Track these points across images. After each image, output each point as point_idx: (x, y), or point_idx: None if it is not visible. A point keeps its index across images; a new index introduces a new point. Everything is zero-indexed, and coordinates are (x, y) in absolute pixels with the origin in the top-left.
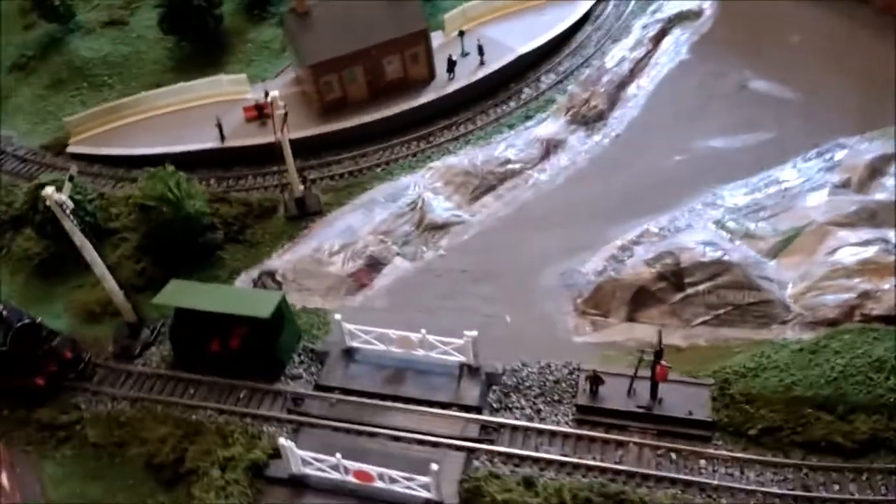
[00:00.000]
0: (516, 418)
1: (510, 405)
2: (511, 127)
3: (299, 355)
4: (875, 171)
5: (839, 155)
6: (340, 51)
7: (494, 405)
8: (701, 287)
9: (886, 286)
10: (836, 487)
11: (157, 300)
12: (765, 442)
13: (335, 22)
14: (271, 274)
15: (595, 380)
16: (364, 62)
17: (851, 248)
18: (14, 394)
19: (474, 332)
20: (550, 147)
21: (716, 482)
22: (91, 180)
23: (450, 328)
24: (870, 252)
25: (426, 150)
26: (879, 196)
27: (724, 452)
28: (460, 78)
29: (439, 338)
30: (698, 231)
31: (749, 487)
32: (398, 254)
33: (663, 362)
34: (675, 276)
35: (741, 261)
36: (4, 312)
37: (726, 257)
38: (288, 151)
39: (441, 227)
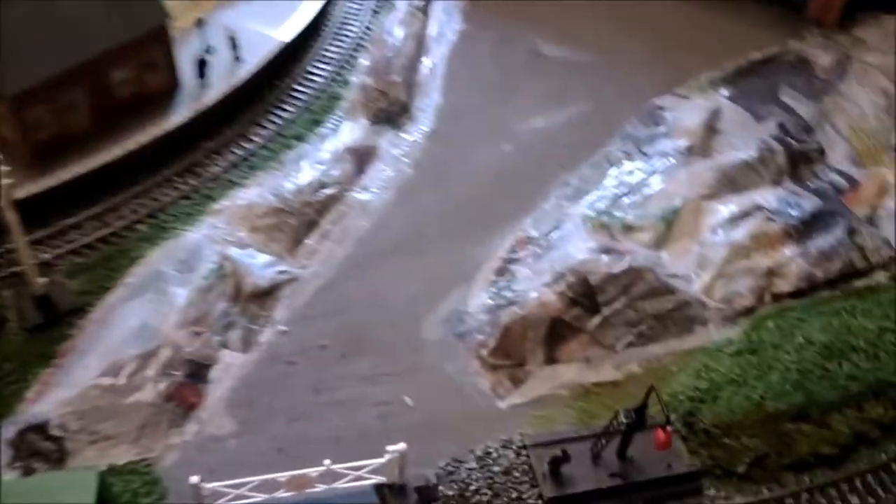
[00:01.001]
0: None
1: None
2: (300, 138)
3: None
4: (711, 130)
5: (668, 118)
6: (51, 69)
7: None
8: (617, 304)
9: (785, 256)
10: None
11: None
12: (755, 475)
13: (34, 28)
14: (41, 429)
15: (558, 461)
16: (86, 80)
17: (734, 222)
18: None
19: (402, 445)
20: (363, 157)
21: None
22: None
23: (336, 435)
24: (754, 224)
25: (202, 189)
26: (728, 158)
27: (723, 503)
28: (215, 83)
29: (351, 464)
30: (579, 235)
31: None
32: (224, 346)
33: (669, 427)
34: (587, 298)
35: (647, 263)
36: None
37: (635, 264)
38: (18, 232)
39: (268, 293)
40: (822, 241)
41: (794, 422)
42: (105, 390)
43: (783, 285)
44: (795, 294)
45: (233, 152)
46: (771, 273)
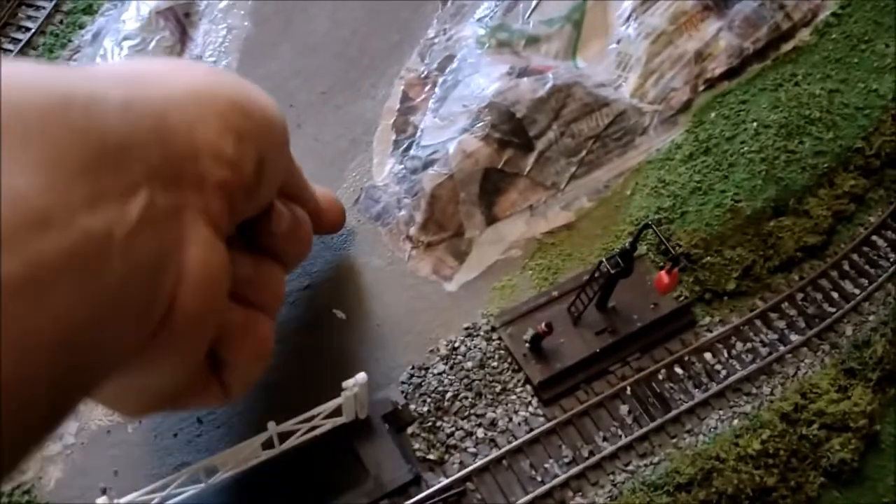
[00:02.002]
0: (473, 453)
1: (448, 441)
2: (89, 11)
3: None
4: None
5: None
6: None
7: (431, 457)
8: (551, 134)
9: (710, 34)
10: (836, 295)
11: None
12: (747, 288)
13: None
14: None
15: (539, 336)
16: None
17: (644, 7)
18: None
19: (361, 376)
20: (181, 20)
21: (744, 371)
22: None
23: (266, 381)
24: (667, 4)
25: None
26: None
27: (721, 329)
28: None
29: (300, 417)
30: (481, 62)
31: (774, 354)
32: None
33: (676, 269)
34: (517, 135)
35: (570, 77)
36: None
37: (559, 81)
38: None
39: None
40: (742, 7)
41: (773, 219)
42: None
43: (716, 67)
44: (728, 75)
45: (4, 49)
46: (700, 57)
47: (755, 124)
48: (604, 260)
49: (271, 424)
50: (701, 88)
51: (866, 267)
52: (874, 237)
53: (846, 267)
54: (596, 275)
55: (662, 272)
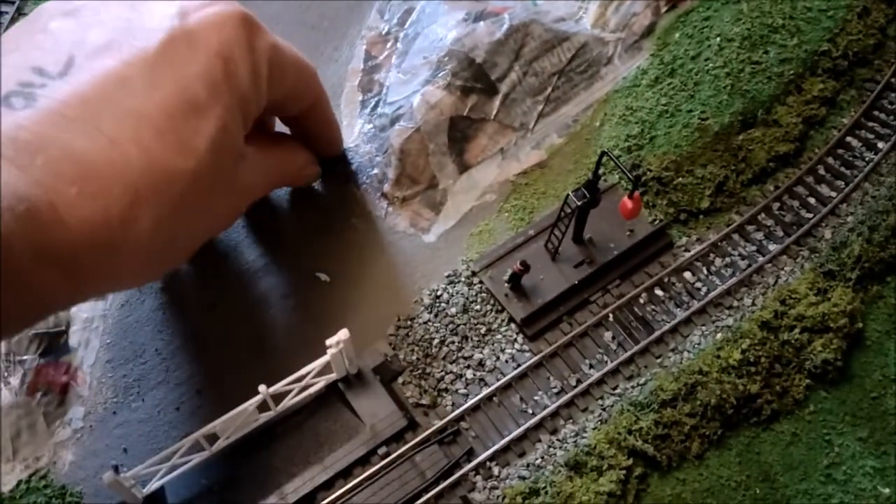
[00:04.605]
0: (464, 394)
1: (439, 385)
2: None
3: None
4: None
5: None
6: None
7: (423, 401)
8: (514, 75)
9: None
10: (813, 200)
11: None
12: (721, 204)
13: None
14: None
15: (517, 275)
16: None
17: None
18: None
19: (343, 332)
20: None
21: (724, 286)
22: None
23: (257, 346)
24: None
25: None
26: None
27: (699, 247)
28: None
29: (291, 378)
30: (439, 12)
31: (753, 266)
32: None
33: (637, 192)
34: (480, 80)
35: (527, 15)
36: None
37: (516, 21)
38: None
39: None
40: None
41: (741, 132)
42: None
43: None
44: None
45: None
46: None
47: (718, 39)
48: (570, 193)
49: (262, 387)
50: (664, 10)
51: (842, 169)
52: (848, 138)
53: (821, 171)
54: (567, 210)
55: (625, 198)
